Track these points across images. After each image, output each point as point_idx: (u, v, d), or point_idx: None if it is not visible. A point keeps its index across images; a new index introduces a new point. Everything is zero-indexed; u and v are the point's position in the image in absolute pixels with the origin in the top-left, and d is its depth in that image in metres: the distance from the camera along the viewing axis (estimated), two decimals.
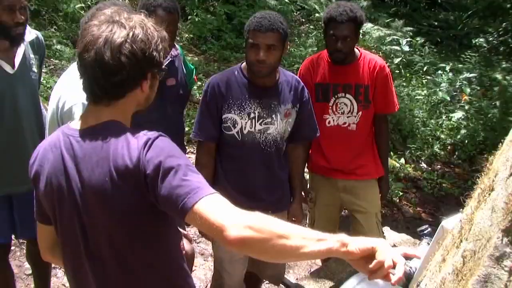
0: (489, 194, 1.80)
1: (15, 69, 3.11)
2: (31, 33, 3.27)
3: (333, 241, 1.57)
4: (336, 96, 3.64)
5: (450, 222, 2.37)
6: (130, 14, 1.84)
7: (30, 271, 3.92)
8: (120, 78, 1.75)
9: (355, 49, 3.64)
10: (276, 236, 1.55)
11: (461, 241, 1.87)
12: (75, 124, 1.88)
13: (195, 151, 3.76)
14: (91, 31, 1.77)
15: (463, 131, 7.85)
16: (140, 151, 1.71)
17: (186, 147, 4.38)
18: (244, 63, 3.20)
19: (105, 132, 1.79)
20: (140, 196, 1.73)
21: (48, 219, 1.99)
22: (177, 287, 1.99)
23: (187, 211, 1.61)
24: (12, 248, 4.38)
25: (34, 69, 3.27)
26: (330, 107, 3.65)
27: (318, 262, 4.76)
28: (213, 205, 1.62)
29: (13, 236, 3.49)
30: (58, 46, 7.92)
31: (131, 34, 1.75)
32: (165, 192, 1.65)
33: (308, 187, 3.91)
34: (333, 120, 3.67)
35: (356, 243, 1.57)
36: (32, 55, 3.26)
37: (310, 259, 1.36)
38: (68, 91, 2.70)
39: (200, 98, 3.29)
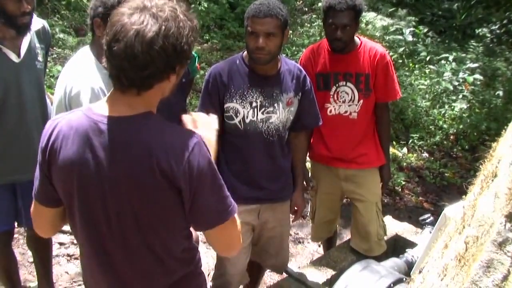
0: (492, 180, 1.81)
1: (21, 58, 3.12)
2: (37, 22, 3.27)
3: None
4: (337, 85, 3.64)
5: (452, 210, 2.38)
6: (162, 1, 1.79)
7: (33, 259, 3.94)
8: (149, 72, 1.73)
9: (356, 38, 3.63)
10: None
11: (464, 227, 1.88)
12: (101, 109, 1.84)
13: None
14: (121, 19, 1.73)
15: (466, 121, 7.84)
16: (184, 154, 1.75)
17: None
18: (246, 52, 3.19)
19: (145, 126, 1.79)
20: (175, 192, 1.79)
21: (53, 202, 1.98)
22: (190, 273, 2.08)
23: (220, 223, 1.89)
24: (16, 236, 4.41)
25: (40, 58, 3.27)
26: (331, 96, 3.65)
27: (320, 250, 4.78)
28: (235, 224, 1.95)
29: (16, 224, 3.50)
30: (61, 35, 7.94)
31: (163, 28, 1.71)
32: (206, 202, 1.84)
33: (309, 175, 3.92)
34: (335, 109, 3.67)
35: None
36: (38, 44, 3.27)
37: None
38: (75, 76, 2.70)
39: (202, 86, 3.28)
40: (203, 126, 2.05)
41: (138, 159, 1.75)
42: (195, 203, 1.81)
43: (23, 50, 3.13)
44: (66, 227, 4.62)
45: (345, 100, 3.64)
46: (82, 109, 1.90)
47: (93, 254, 1.98)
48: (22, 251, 4.46)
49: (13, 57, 3.08)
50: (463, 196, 2.19)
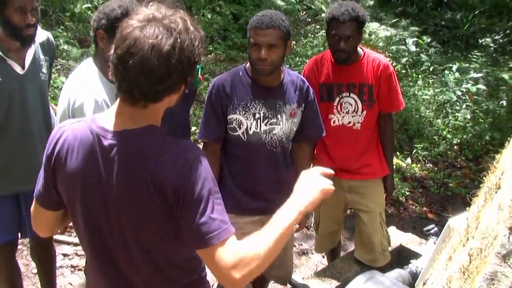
0: (496, 192, 1.80)
1: (25, 69, 3.13)
2: (42, 34, 3.29)
3: (295, 215, 1.82)
4: (340, 96, 3.64)
5: (457, 221, 2.38)
6: (170, 11, 1.78)
7: (36, 270, 3.94)
8: (165, 86, 1.72)
9: (359, 49, 3.63)
10: (261, 252, 1.72)
11: (468, 239, 1.87)
12: (104, 122, 1.84)
13: None
14: (134, 32, 1.70)
15: (469, 131, 7.83)
16: (178, 172, 1.72)
17: None
18: (249, 63, 3.20)
19: (145, 140, 1.78)
20: (169, 208, 1.77)
21: (53, 206, 2.00)
22: (195, 281, 2.05)
23: (202, 247, 1.74)
24: (20, 247, 4.41)
25: (44, 69, 3.28)
26: (335, 107, 3.65)
27: (324, 261, 4.77)
28: (223, 253, 1.71)
29: (19, 235, 3.50)
30: (65, 46, 7.97)
31: (178, 40, 1.70)
32: (190, 222, 1.74)
33: None
34: (338, 120, 3.67)
35: (304, 204, 1.86)
36: (42, 56, 3.28)
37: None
38: (78, 88, 2.71)
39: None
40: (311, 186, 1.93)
41: (135, 172, 1.75)
42: (182, 220, 1.76)
43: (28, 61, 3.14)
44: (70, 238, 4.64)
45: (348, 111, 3.64)
46: (87, 119, 1.90)
47: (97, 261, 1.98)
48: (26, 262, 4.46)
49: (17, 68, 3.09)
50: (467, 208, 2.19)
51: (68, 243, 4.73)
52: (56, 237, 4.10)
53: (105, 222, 1.86)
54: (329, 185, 1.92)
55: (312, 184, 1.91)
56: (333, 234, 4.13)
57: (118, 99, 1.85)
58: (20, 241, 3.75)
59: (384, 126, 3.78)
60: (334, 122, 3.67)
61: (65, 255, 4.66)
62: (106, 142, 1.79)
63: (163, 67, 1.68)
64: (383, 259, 3.91)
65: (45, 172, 1.95)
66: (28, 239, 3.89)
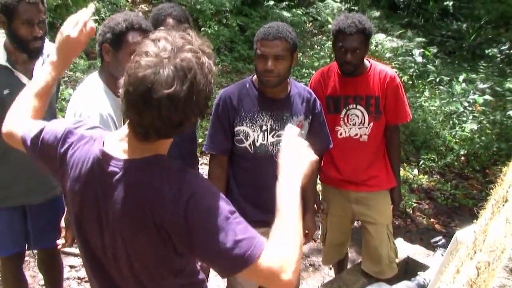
0: (503, 205, 1.80)
1: None
2: (49, 46, 3.31)
3: (298, 194, 1.86)
4: (347, 108, 3.64)
5: (464, 234, 2.37)
6: (180, 41, 1.67)
7: (43, 282, 3.94)
8: (182, 127, 1.69)
9: (365, 60, 3.63)
10: (294, 245, 1.71)
11: (475, 252, 1.87)
12: (111, 148, 1.80)
13: (207, 162, 3.77)
14: (146, 77, 1.59)
15: (476, 142, 7.81)
16: (185, 206, 1.66)
17: (199, 159, 4.39)
18: (255, 75, 3.21)
19: (149, 172, 1.73)
20: (171, 245, 1.72)
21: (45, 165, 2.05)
22: None
23: (244, 268, 1.67)
24: (27, 258, 4.42)
25: None
26: (342, 119, 3.65)
27: (332, 273, 4.75)
28: (266, 265, 1.67)
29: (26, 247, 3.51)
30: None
31: (195, 84, 1.62)
32: (217, 253, 1.66)
33: (320, 198, 3.91)
34: (345, 132, 3.67)
35: (300, 180, 1.90)
36: None
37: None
38: (84, 102, 2.71)
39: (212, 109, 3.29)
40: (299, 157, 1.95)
41: (135, 204, 1.71)
42: (204, 255, 1.72)
43: (35, 73, 3.16)
44: (77, 250, 4.63)
45: (355, 123, 3.64)
46: (96, 136, 1.87)
47: (93, 273, 1.98)
48: (33, 274, 4.46)
49: (25, 80, 3.11)
50: (475, 220, 2.18)
51: (75, 255, 4.73)
52: (63, 249, 4.10)
53: (100, 243, 1.85)
54: (314, 155, 1.93)
55: (300, 156, 1.92)
56: (340, 246, 4.12)
57: (127, 128, 1.79)
58: (27, 252, 3.76)
59: (391, 138, 3.78)
60: (341, 134, 3.67)
61: (72, 266, 4.67)
62: (108, 169, 1.76)
63: (181, 113, 1.63)
64: (390, 271, 3.90)
65: (52, 147, 1.95)
66: (36, 251, 3.90)
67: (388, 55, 9.61)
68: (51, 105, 3.32)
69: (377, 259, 3.88)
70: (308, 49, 10.71)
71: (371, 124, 3.63)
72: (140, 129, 1.69)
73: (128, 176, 1.74)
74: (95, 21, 8.71)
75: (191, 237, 1.67)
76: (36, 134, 2.01)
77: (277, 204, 1.83)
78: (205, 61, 1.67)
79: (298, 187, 1.85)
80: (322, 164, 3.81)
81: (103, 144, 1.82)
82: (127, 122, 1.77)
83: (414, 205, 6.55)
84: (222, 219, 1.66)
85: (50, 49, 3.30)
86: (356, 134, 3.66)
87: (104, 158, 1.78)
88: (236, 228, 1.68)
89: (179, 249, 1.72)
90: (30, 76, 3.13)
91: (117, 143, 1.80)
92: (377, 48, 9.61)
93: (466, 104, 8.48)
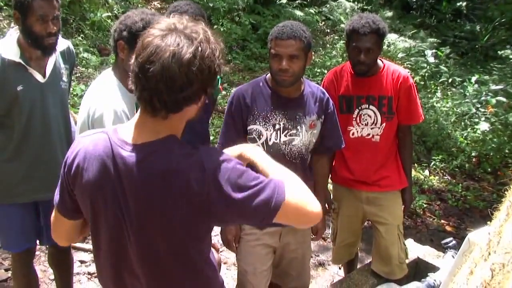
0: None
1: (46, 78, 3.16)
2: (62, 43, 3.32)
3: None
4: (360, 108, 3.64)
5: (477, 235, 2.35)
6: (192, 22, 1.80)
7: (54, 276, 3.96)
8: (185, 94, 1.72)
9: (378, 60, 3.62)
10: (304, 186, 1.92)
11: (490, 253, 1.85)
12: (125, 134, 1.84)
13: None
14: (154, 41, 1.71)
15: (488, 143, 7.77)
16: (207, 176, 1.73)
17: None
18: (269, 74, 3.20)
19: (166, 150, 1.77)
20: (200, 213, 1.77)
21: (74, 216, 2.00)
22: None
23: (276, 211, 1.78)
24: (37, 253, 4.44)
25: (64, 78, 3.31)
26: (354, 119, 3.65)
27: (341, 273, 4.75)
28: (294, 203, 1.80)
29: (38, 242, 3.53)
30: (85, 54, 8.05)
31: (199, 49, 1.70)
32: (247, 207, 1.76)
33: (331, 198, 3.91)
34: (357, 132, 3.66)
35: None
36: (62, 65, 3.31)
37: None
38: (98, 99, 2.72)
39: (225, 107, 3.28)
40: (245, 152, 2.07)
41: (157, 183, 1.75)
42: (234, 216, 1.81)
43: (49, 70, 3.17)
44: (87, 245, 4.65)
45: (367, 123, 3.63)
46: (109, 130, 1.90)
47: (115, 272, 1.98)
48: (43, 268, 4.48)
49: (38, 77, 3.12)
50: (488, 222, 2.17)
51: (85, 250, 4.75)
52: (74, 244, 4.12)
53: (125, 231, 1.86)
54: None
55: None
56: (350, 246, 4.12)
57: (139, 110, 1.84)
58: (38, 247, 3.77)
59: (403, 139, 3.77)
60: (353, 134, 3.66)
61: (82, 262, 4.69)
62: (125, 154, 1.79)
63: (183, 75, 1.67)
64: (400, 271, 3.89)
65: (64, 182, 1.95)
66: (46, 246, 3.91)
67: (400, 55, 9.60)
68: (62, 101, 3.33)
69: (387, 259, 3.87)
70: (320, 48, 10.70)
71: (384, 124, 3.62)
72: (145, 94, 1.73)
73: (147, 159, 1.77)
74: (108, 17, 8.78)
75: (222, 199, 1.74)
76: (59, 201, 2.03)
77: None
78: (213, 40, 1.78)
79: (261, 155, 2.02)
80: (333, 163, 3.80)
81: (118, 133, 1.86)
82: (136, 96, 1.80)
83: (425, 206, 6.54)
84: (242, 178, 1.77)
85: (62, 45, 3.32)
86: (368, 134, 3.66)
87: (121, 144, 1.81)
88: (255, 184, 1.78)
89: (213, 214, 1.78)
90: (43, 73, 3.15)
91: (131, 130, 1.85)
92: (389, 48, 9.60)
93: (478, 105, 8.44)
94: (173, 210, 1.75)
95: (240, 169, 1.78)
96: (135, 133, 1.83)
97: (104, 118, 2.64)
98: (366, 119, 3.63)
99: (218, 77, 3.80)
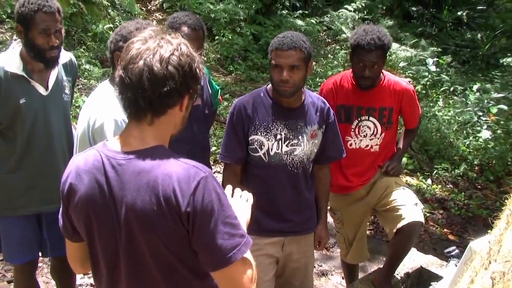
0: None
1: (49, 90, 3.18)
2: (64, 55, 3.33)
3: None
4: (359, 119, 3.65)
5: (478, 244, 2.36)
6: (172, 34, 1.89)
7: None
8: (167, 89, 1.76)
9: None
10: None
11: (490, 262, 1.86)
12: (114, 145, 1.87)
13: (221, 171, 3.78)
14: (136, 46, 1.81)
15: (490, 152, 7.76)
16: (191, 190, 1.74)
17: (213, 167, 4.40)
18: (270, 85, 3.21)
19: (153, 160, 1.79)
20: (182, 226, 1.77)
21: (76, 237, 2.01)
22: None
23: (215, 268, 1.80)
24: (40, 264, 4.44)
25: (67, 90, 3.33)
26: (352, 130, 3.66)
27: (344, 283, 4.74)
28: (238, 274, 1.81)
29: (40, 254, 3.53)
30: (87, 66, 8.08)
31: (178, 48, 1.81)
32: (203, 241, 1.77)
33: (331, 207, 3.91)
34: (355, 143, 3.67)
35: None
36: (65, 77, 3.33)
37: None
38: (98, 108, 2.73)
39: (227, 118, 3.29)
40: (240, 207, 2.12)
41: (147, 192, 1.75)
42: (198, 240, 1.78)
43: (51, 83, 3.19)
44: None
45: (366, 134, 3.65)
46: (98, 146, 1.93)
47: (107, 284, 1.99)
48: (46, 280, 4.48)
49: (41, 90, 3.14)
50: (489, 230, 2.17)
51: None
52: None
53: (119, 242, 1.86)
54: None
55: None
56: (361, 241, 4.09)
57: (127, 123, 1.90)
58: (40, 258, 3.77)
59: (411, 132, 4.01)
60: (350, 145, 3.68)
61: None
62: (115, 163, 1.82)
63: (165, 69, 1.75)
64: (415, 213, 3.63)
65: (62, 203, 1.97)
66: (49, 258, 3.91)
67: (402, 64, 9.61)
68: (65, 113, 3.35)
69: (400, 212, 3.63)
70: (322, 58, 10.73)
71: (383, 134, 3.64)
72: (130, 94, 1.79)
73: (136, 167, 1.79)
74: (110, 28, 8.80)
75: (195, 219, 1.75)
76: (62, 224, 2.04)
77: None
78: (190, 48, 1.87)
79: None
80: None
81: (107, 145, 1.89)
82: (122, 101, 1.85)
83: (428, 214, 6.52)
84: (223, 211, 1.79)
85: (64, 57, 3.34)
86: (367, 146, 3.67)
87: (111, 155, 1.84)
88: (230, 224, 1.79)
89: (190, 238, 1.79)
90: (46, 86, 3.17)
91: (119, 140, 1.88)
92: (391, 58, 9.61)
93: (480, 113, 8.44)
94: (159, 221, 1.76)
95: (226, 212, 1.80)
96: (122, 142, 1.86)
97: (105, 128, 2.65)
98: (365, 131, 3.65)
99: (219, 88, 3.84)
